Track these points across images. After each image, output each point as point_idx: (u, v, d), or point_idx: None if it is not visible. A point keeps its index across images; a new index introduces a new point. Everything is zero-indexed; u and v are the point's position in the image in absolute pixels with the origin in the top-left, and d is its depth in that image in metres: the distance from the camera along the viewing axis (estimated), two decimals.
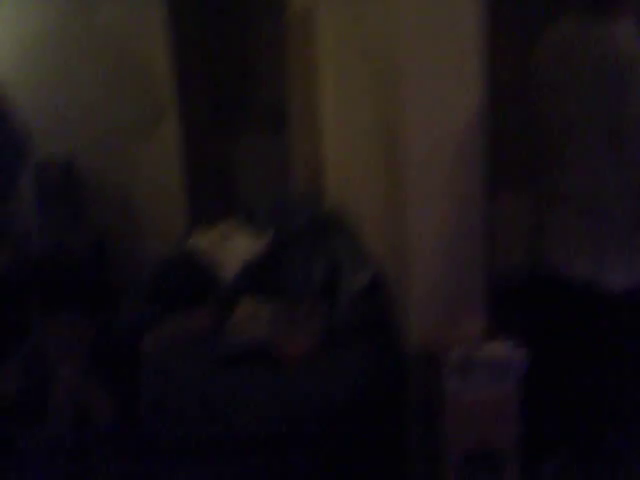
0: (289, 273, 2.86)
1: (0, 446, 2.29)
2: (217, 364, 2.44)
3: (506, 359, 2.28)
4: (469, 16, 2.40)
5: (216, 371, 2.43)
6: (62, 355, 2.34)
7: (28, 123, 3.34)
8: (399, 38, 2.44)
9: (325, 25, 3.55)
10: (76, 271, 4.07)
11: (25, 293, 3.26)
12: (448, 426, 2.31)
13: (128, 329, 2.86)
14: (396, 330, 2.55)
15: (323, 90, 3.73)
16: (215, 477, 2.37)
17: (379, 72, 2.69)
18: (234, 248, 3.12)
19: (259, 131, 4.71)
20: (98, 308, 2.62)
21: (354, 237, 3.01)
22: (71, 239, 4.30)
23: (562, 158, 2.51)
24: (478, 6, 2.41)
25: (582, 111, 2.39)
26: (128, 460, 2.29)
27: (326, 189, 3.79)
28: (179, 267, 3.11)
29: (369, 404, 2.42)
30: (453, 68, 2.45)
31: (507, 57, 3.41)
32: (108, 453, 2.28)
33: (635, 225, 2.41)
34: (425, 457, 2.51)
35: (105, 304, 3.19)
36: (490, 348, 2.31)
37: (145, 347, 2.65)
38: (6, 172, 3.35)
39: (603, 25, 2.33)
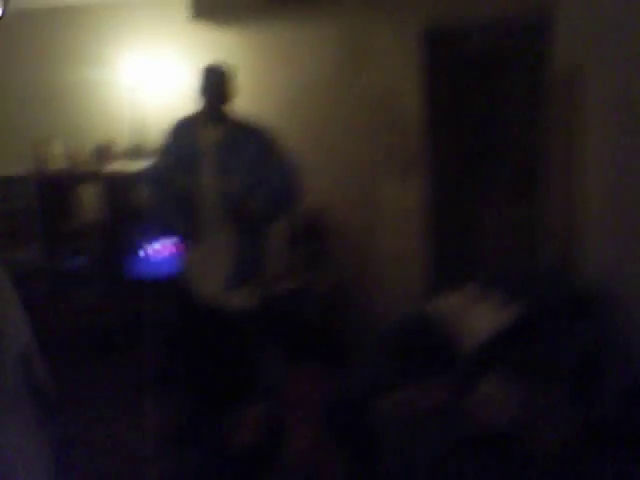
0: (538, 352, 2.61)
1: None
2: (456, 445, 2.24)
3: None
4: None
5: (454, 453, 2.23)
6: (297, 409, 2.23)
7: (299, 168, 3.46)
8: None
9: (595, 90, 3.32)
10: (316, 319, 4.09)
11: (264, 337, 3.29)
12: None
13: (362, 388, 2.76)
14: None
15: (586, 158, 3.47)
16: None
17: None
18: (477, 317, 2.91)
19: (508, 194, 4.55)
20: (334, 360, 2.52)
21: (613, 324, 2.71)
22: (313, 285, 4.36)
23: None
24: None
25: None
26: None
27: (579, 264, 3.51)
28: (418, 329, 2.94)
29: None
30: None
31: None
32: None
33: None
34: None
35: (340, 357, 3.12)
36: None
37: (379, 412, 2.52)
38: (275, 210, 3.43)
39: None
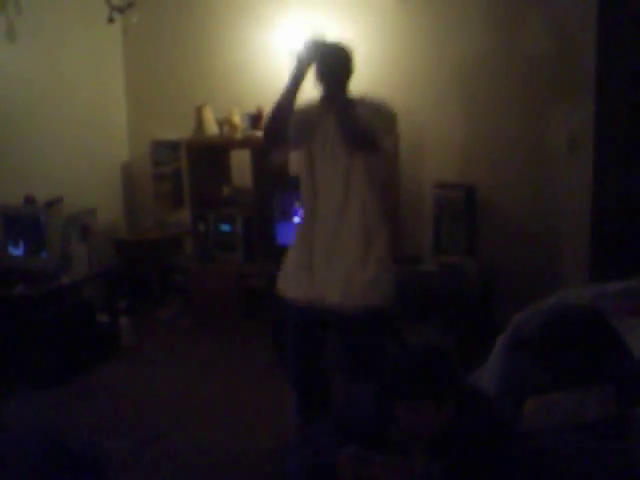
0: None
1: None
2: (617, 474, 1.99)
3: None
4: None
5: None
6: (407, 441, 2.05)
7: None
8: None
9: None
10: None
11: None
12: None
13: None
14: None
15: None
16: None
17: None
18: None
19: None
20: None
21: None
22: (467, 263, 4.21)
23: None
24: None
25: None
26: None
27: None
28: (576, 322, 2.68)
29: None
30: None
31: None
32: None
33: None
34: None
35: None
36: None
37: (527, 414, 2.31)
38: None
39: None
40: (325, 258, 2.97)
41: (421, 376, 1.96)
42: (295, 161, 3.16)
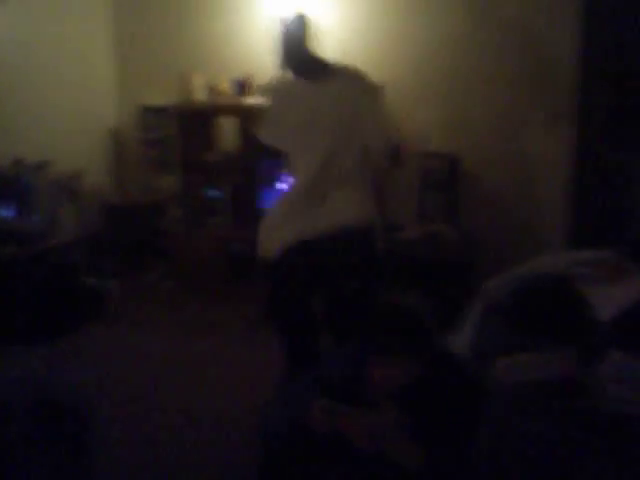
0: None
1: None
2: (577, 426, 2.09)
3: None
4: None
5: (573, 436, 2.08)
6: (378, 395, 2.12)
7: None
8: None
9: None
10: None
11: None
12: None
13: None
14: None
15: None
16: None
17: None
18: (615, 287, 2.74)
19: None
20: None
21: None
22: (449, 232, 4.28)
23: None
24: None
25: None
26: None
27: None
28: (546, 289, 2.78)
29: None
30: None
31: None
32: None
33: None
34: None
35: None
36: None
37: (496, 373, 2.41)
38: None
39: None
40: (311, 202, 3.04)
41: (394, 331, 2.03)
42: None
